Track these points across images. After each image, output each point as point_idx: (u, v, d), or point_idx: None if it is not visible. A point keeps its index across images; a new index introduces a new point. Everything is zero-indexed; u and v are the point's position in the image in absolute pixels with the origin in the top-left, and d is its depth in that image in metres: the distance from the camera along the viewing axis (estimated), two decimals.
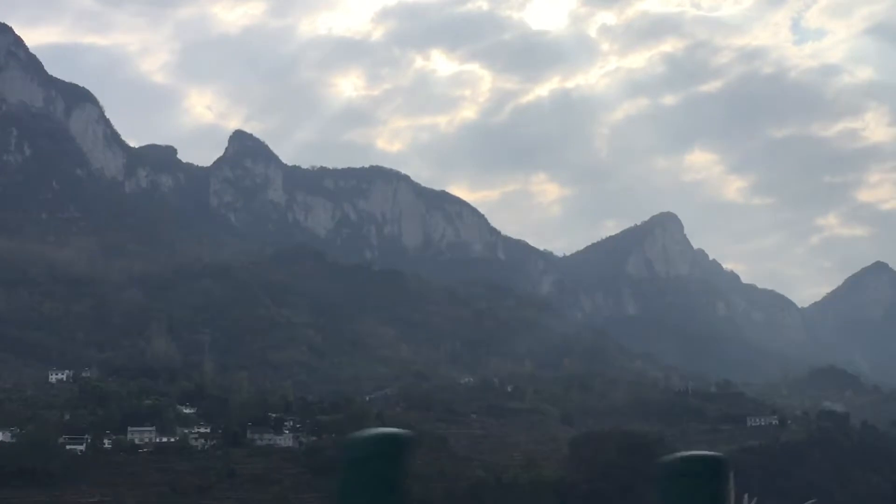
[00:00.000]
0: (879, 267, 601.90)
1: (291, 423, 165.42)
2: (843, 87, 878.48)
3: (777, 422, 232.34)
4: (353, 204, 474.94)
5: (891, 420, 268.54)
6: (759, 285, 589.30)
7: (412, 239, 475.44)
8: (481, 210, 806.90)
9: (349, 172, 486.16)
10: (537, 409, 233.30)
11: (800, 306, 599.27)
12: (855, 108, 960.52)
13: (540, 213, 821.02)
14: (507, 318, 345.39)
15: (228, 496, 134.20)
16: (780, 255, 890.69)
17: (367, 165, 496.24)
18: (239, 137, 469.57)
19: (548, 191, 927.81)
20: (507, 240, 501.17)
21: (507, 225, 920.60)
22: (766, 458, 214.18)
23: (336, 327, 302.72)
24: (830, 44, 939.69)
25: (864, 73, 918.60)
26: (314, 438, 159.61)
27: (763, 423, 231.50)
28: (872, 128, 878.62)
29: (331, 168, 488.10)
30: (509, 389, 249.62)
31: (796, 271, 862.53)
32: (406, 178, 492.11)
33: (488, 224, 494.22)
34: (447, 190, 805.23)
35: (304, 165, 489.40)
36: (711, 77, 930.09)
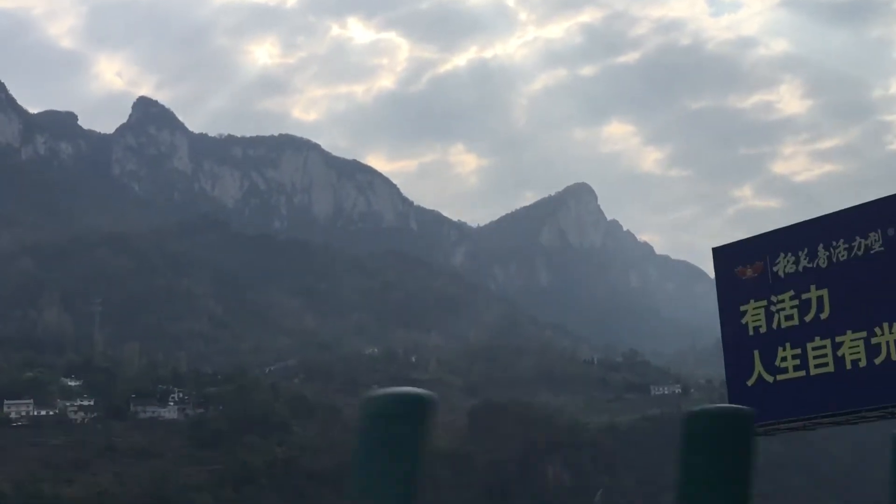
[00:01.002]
0: None
1: (178, 396, 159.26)
2: (758, 60, 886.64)
3: (680, 390, 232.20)
4: (261, 173, 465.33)
5: None
6: (673, 256, 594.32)
7: (323, 209, 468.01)
8: (399, 180, 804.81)
9: (258, 141, 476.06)
10: (441, 380, 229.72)
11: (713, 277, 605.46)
12: (770, 81, 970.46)
13: (458, 183, 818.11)
14: (416, 289, 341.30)
15: (105, 471, 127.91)
16: (697, 227, 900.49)
17: (276, 134, 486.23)
18: (143, 104, 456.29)
19: (466, 161, 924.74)
20: (420, 210, 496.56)
21: (426, 196, 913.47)
22: (668, 426, 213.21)
23: (239, 298, 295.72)
24: (746, 16, 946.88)
25: (779, 46, 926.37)
26: (200, 411, 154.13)
27: (667, 392, 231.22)
28: (787, 100, 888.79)
29: (239, 136, 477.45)
30: (413, 360, 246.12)
31: (712, 242, 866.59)
32: (317, 147, 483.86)
33: (400, 194, 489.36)
34: (365, 160, 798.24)
35: (212, 133, 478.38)
36: (629, 48, 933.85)
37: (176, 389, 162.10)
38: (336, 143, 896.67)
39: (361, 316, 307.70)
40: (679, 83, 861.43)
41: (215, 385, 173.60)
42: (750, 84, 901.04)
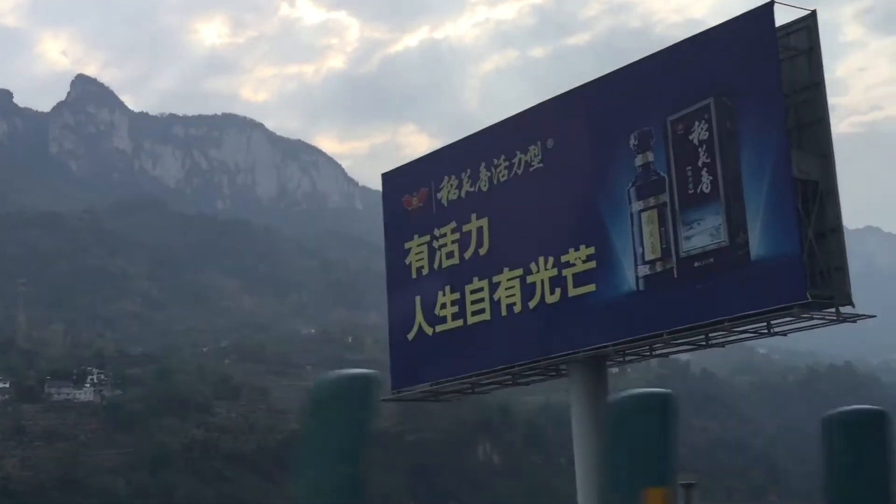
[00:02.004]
0: None
1: (96, 377, 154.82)
2: None
3: (617, 370, 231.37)
4: (204, 153, 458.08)
5: (733, 367, 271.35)
6: None
7: (266, 189, 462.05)
8: (350, 161, 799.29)
9: (201, 120, 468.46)
10: (375, 360, 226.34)
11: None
12: None
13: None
14: (357, 270, 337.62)
15: (13, 454, 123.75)
16: None
17: (219, 113, 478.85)
18: (81, 82, 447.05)
19: (417, 142, 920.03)
20: (366, 190, 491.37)
21: (377, 177, 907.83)
22: None
23: (175, 279, 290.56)
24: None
25: None
26: (119, 392, 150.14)
27: None
28: None
29: (181, 115, 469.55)
30: (349, 340, 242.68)
31: None
32: (261, 127, 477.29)
33: (346, 174, 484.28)
34: (316, 141, 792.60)
35: (153, 112, 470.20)
36: (580, 29, 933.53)
37: (95, 370, 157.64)
38: (286, 124, 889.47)
39: (301, 297, 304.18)
40: (618, 57, 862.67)
41: (138, 366, 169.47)
42: None
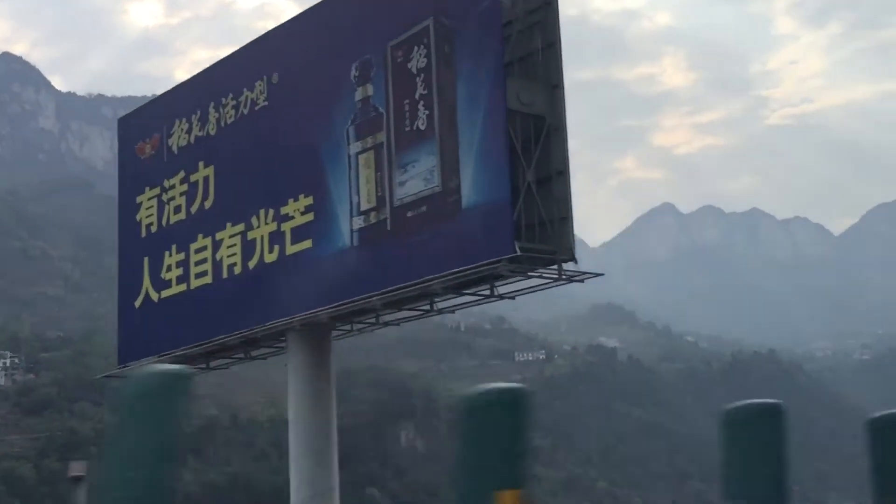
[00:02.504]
0: (666, 208, 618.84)
1: (8, 361, 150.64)
2: (642, 32, 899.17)
3: (544, 356, 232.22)
4: None
5: (660, 355, 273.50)
6: None
7: None
8: None
9: (130, 101, 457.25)
10: None
11: (597, 246, 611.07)
12: (653, 54, 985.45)
13: None
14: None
15: None
16: (581, 197, 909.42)
17: (149, 94, 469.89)
18: (6, 60, 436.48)
19: None
20: None
21: None
22: (531, 392, 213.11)
23: (100, 261, 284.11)
24: None
25: (663, 19, 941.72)
26: (31, 376, 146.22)
27: (531, 358, 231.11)
28: (670, 73, 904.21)
29: (109, 96, 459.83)
30: None
31: (596, 212, 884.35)
32: None
33: None
34: None
35: (81, 93, 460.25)
36: None
37: (8, 354, 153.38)
38: None
39: None
40: (565, 53, 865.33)
41: (55, 350, 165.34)
42: (634, 56, 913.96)
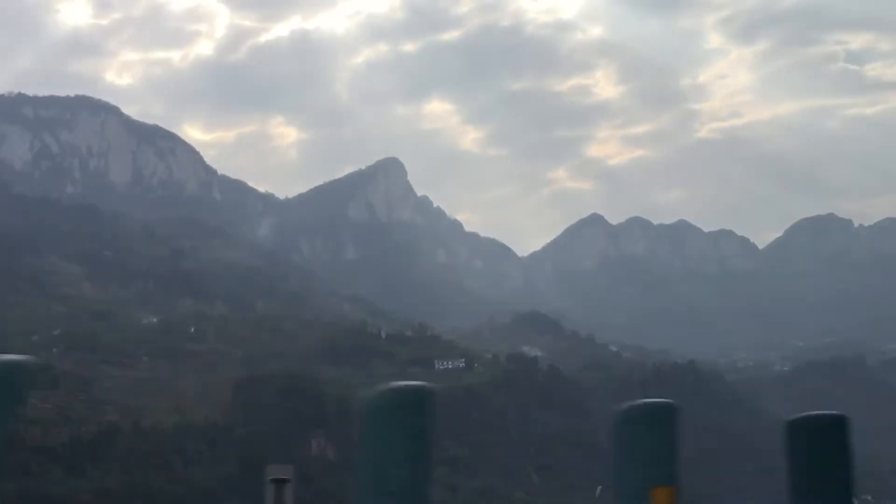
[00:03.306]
0: (595, 219, 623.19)
1: None
2: (576, 44, 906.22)
3: (464, 364, 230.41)
4: (55, 135, 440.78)
5: (582, 364, 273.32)
6: (482, 234, 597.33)
7: (120, 175, 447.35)
8: (217, 151, 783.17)
9: (52, 101, 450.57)
10: (216, 351, 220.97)
11: (526, 256, 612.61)
12: (586, 65, 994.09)
13: (278, 156, 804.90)
14: (209, 259, 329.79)
15: None
16: (513, 206, 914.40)
17: (72, 94, 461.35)
18: None
19: (285, 134, 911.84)
20: (225, 179, 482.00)
21: (246, 168, 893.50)
22: (450, 401, 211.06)
23: (10, 264, 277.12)
24: (565, 0, 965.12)
25: (596, 31, 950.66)
26: None
27: (451, 367, 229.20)
28: (602, 85, 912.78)
29: (31, 95, 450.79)
30: (192, 330, 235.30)
31: (527, 222, 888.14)
32: (116, 111, 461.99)
33: (204, 162, 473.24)
34: (181, 129, 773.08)
35: (1, 91, 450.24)
36: (451, 26, 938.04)
37: None
38: (151, 110, 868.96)
39: (146, 284, 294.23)
40: (499, 64, 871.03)
41: None
42: (567, 68, 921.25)
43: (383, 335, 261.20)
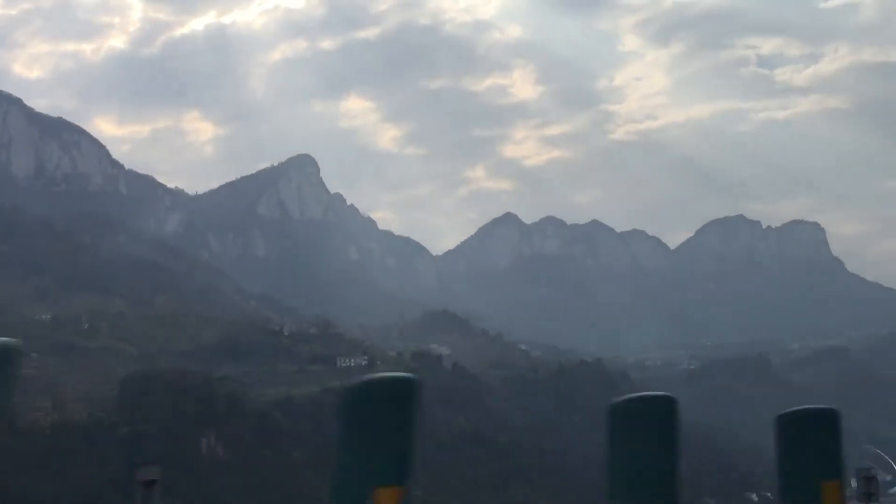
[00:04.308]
0: (509, 218, 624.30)
1: None
2: (493, 44, 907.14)
3: (366, 362, 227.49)
4: None
5: (489, 362, 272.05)
6: (397, 232, 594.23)
7: (22, 167, 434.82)
8: (130, 146, 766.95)
9: None
10: (110, 348, 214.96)
11: (440, 254, 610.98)
12: (504, 65, 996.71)
13: (193, 152, 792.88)
14: (110, 254, 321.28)
15: None
16: (430, 205, 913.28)
17: None
18: None
19: (201, 129, 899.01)
20: (132, 174, 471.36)
21: (158, 163, 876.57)
22: None
23: None
24: (483, 0, 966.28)
25: (514, 31, 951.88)
26: None
27: (353, 364, 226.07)
28: (519, 85, 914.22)
29: None
30: (86, 327, 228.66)
31: (444, 221, 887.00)
32: (18, 102, 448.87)
33: (110, 156, 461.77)
34: (93, 123, 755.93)
35: None
36: (370, 24, 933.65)
37: None
38: (61, 103, 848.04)
39: (43, 280, 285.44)
40: (418, 62, 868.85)
41: None
42: (485, 67, 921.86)
43: (286, 332, 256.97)
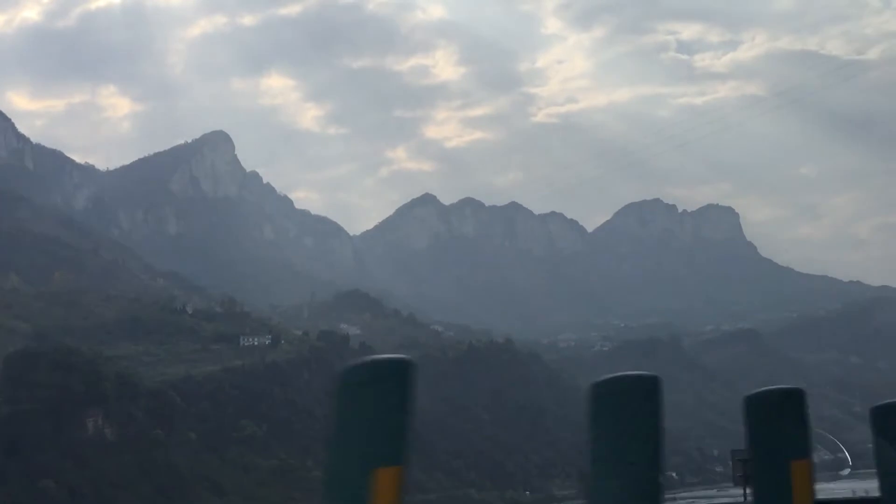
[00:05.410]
0: (428, 198, 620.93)
1: None
2: (416, 23, 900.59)
3: (270, 341, 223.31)
4: None
5: (398, 342, 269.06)
6: (315, 212, 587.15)
7: None
8: (45, 120, 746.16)
9: None
10: (3, 325, 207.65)
11: (357, 234, 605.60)
12: (427, 45, 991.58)
13: (109, 127, 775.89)
14: (11, 230, 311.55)
15: None
16: (351, 185, 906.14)
17: None
18: None
19: (118, 105, 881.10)
20: (40, 148, 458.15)
21: (73, 139, 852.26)
22: (251, 378, 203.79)
23: None
24: None
25: (437, 12, 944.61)
26: None
27: (256, 343, 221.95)
28: (442, 66, 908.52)
29: None
30: None
31: (364, 202, 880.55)
32: None
33: (16, 130, 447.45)
34: (5, 96, 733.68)
35: None
36: (291, 1, 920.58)
37: None
38: None
39: None
40: (340, 41, 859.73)
41: None
42: (408, 47, 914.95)
43: (190, 311, 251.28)
